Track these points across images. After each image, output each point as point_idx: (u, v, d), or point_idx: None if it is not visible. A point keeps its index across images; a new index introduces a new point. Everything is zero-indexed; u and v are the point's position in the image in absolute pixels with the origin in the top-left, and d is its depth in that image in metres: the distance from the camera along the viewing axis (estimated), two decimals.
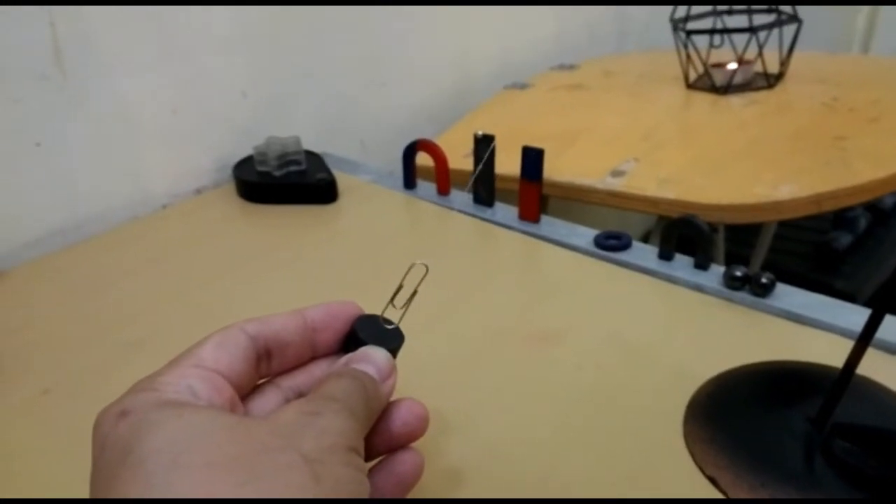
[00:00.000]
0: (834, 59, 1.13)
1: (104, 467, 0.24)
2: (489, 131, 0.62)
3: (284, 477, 0.23)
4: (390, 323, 0.35)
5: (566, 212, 0.81)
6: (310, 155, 0.72)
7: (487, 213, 0.64)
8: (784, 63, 0.96)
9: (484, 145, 0.63)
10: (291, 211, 0.66)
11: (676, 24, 0.94)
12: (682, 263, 0.54)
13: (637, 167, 0.73)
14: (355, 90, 0.88)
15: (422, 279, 0.36)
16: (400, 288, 0.36)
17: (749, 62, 0.94)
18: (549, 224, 0.62)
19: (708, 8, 0.98)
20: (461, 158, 0.78)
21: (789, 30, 0.93)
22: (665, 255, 0.54)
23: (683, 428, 0.38)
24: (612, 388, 0.42)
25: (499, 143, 0.62)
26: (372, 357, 0.32)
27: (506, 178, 0.66)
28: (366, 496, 0.26)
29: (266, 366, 0.32)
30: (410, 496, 0.32)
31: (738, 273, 0.49)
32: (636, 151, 0.77)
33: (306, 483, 0.23)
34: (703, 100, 0.93)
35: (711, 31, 0.92)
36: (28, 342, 0.49)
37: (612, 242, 0.57)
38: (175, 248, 0.61)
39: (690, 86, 0.96)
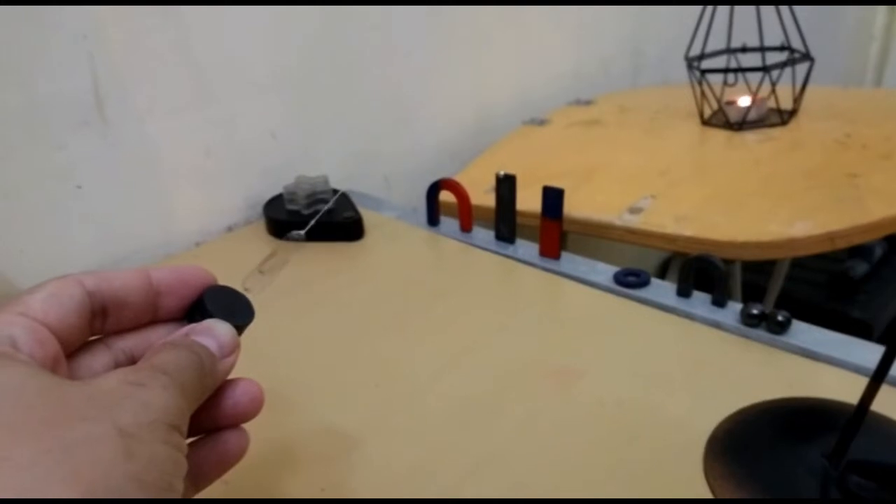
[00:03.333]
0: (846, 93, 1.15)
1: None
2: (508, 167, 0.64)
3: (94, 449, 0.22)
4: (245, 300, 0.33)
5: (584, 244, 0.83)
6: (337, 193, 0.74)
7: (509, 249, 0.66)
8: (797, 100, 0.98)
9: (506, 185, 0.65)
10: (319, 248, 0.68)
11: (691, 63, 0.97)
12: (700, 300, 0.55)
13: (654, 204, 0.75)
14: (379, 129, 0.90)
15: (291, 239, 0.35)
16: (271, 255, 0.35)
17: (763, 99, 0.96)
18: (570, 261, 0.63)
19: (722, 46, 1.01)
20: (482, 194, 0.80)
21: (802, 66, 0.95)
22: (683, 293, 0.56)
23: (703, 463, 0.40)
24: (634, 424, 0.43)
25: (518, 180, 0.64)
26: (215, 331, 0.30)
27: (526, 215, 0.68)
28: (181, 476, 0.25)
29: (100, 324, 0.30)
30: None
31: (755, 311, 0.51)
32: (653, 188, 0.79)
33: (116, 459, 0.22)
34: (718, 136, 0.95)
35: (725, 71, 0.94)
36: None
37: (631, 279, 0.59)
38: None
39: (705, 122, 0.99)
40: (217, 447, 0.30)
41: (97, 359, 0.30)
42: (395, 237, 0.70)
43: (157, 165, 0.68)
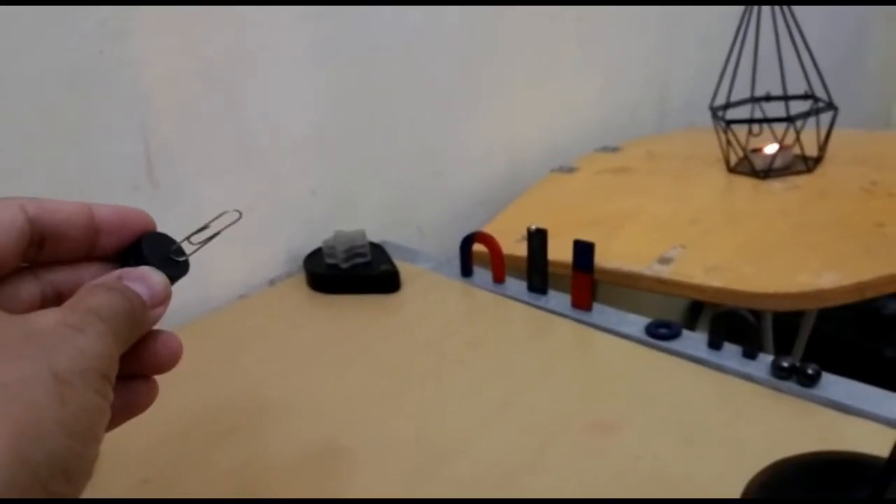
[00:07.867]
0: (871, 137, 1.16)
1: None
2: (538, 217, 0.66)
3: (28, 391, 0.22)
4: (182, 252, 0.33)
5: (611, 289, 0.84)
6: (373, 246, 0.77)
7: (541, 300, 0.68)
8: (822, 147, 0.99)
9: (537, 239, 0.67)
10: (358, 301, 0.71)
11: (716, 113, 0.99)
12: (731, 353, 0.57)
13: (683, 254, 0.77)
14: (413, 180, 0.93)
15: (229, 224, 0.35)
16: (204, 227, 0.34)
17: (788, 147, 0.97)
18: (601, 312, 0.65)
19: (745, 94, 1.03)
20: (513, 244, 0.82)
21: (826, 113, 0.97)
22: (714, 345, 0.57)
23: None
24: (670, 478, 0.45)
25: (548, 229, 0.66)
26: (148, 278, 0.30)
27: (556, 264, 0.70)
28: (105, 425, 0.25)
29: (34, 253, 0.29)
30: None
31: (785, 364, 0.52)
32: (682, 238, 0.81)
33: (50, 404, 0.22)
34: (745, 184, 0.97)
35: (750, 121, 0.96)
36: (125, 432, 0.54)
37: (663, 331, 0.60)
38: (253, 338, 0.66)
39: (731, 170, 1.00)
40: (127, 395, 0.30)
41: (24, 288, 0.29)
42: (430, 289, 0.72)
43: (202, 223, 0.71)
